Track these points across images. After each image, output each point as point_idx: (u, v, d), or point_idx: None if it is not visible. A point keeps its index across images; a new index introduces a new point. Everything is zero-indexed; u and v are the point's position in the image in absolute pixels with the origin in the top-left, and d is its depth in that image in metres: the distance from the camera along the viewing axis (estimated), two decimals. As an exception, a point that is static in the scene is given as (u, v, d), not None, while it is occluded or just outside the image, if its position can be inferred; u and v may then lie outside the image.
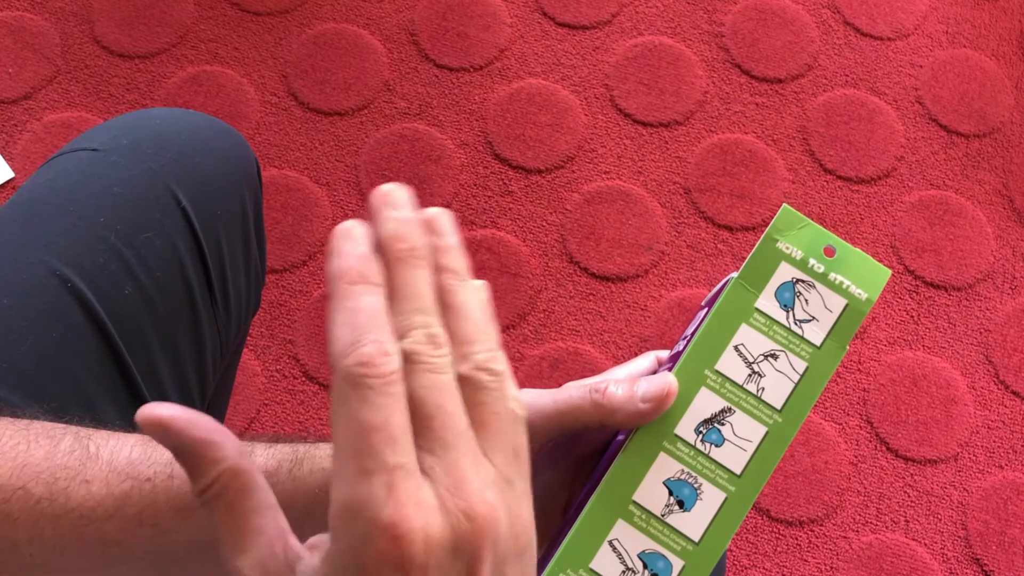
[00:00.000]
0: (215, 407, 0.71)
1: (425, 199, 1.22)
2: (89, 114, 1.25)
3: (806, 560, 1.08)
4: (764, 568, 1.08)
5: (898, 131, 1.29)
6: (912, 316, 1.20)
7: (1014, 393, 1.17)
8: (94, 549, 0.39)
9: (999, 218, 1.25)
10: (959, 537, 1.10)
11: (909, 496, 1.12)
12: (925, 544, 1.10)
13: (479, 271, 1.19)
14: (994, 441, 1.15)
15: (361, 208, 1.22)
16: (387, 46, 1.31)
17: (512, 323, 1.16)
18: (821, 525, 1.10)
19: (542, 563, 0.41)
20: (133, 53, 1.28)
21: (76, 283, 0.56)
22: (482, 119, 1.27)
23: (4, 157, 1.22)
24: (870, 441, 1.14)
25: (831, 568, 1.08)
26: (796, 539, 1.09)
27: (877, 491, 1.12)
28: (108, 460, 0.40)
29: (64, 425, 0.42)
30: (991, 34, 1.36)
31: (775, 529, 1.09)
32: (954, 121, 1.31)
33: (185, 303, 0.61)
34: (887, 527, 1.10)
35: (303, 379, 1.13)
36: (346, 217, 1.21)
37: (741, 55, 1.33)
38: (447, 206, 1.22)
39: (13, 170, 1.21)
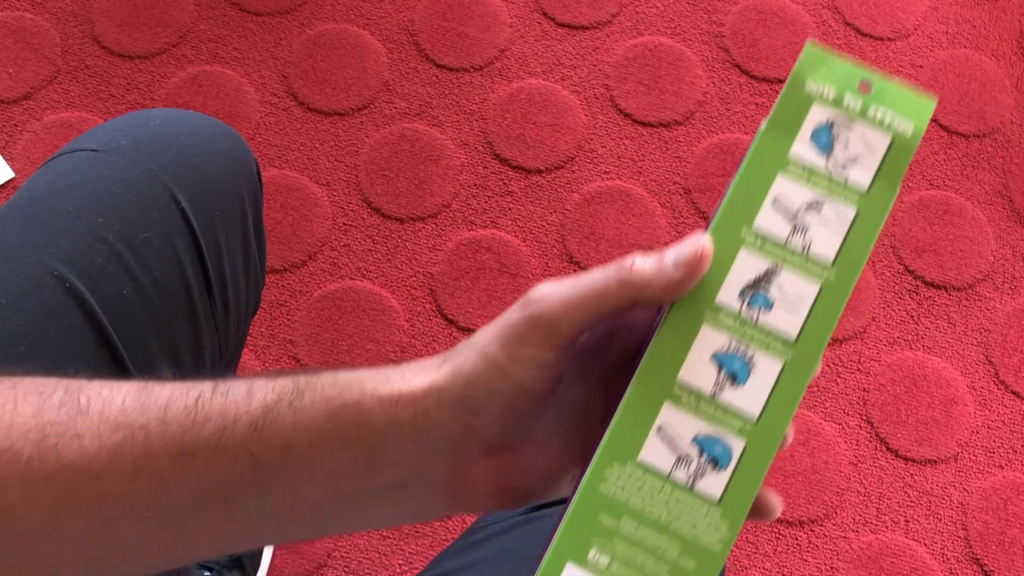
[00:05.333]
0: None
1: (425, 199, 1.22)
2: (89, 114, 1.25)
3: (806, 560, 1.08)
4: (764, 568, 1.08)
5: (898, 131, 1.29)
6: (912, 316, 1.20)
7: (1014, 393, 1.17)
8: (94, 507, 0.38)
9: (999, 218, 1.25)
10: (959, 537, 1.10)
11: (909, 496, 1.12)
12: (925, 544, 1.09)
13: (479, 271, 1.19)
14: (994, 441, 1.15)
15: (361, 208, 1.22)
16: (387, 46, 1.31)
17: (512, 323, 1.16)
18: (821, 525, 1.10)
19: (580, 478, 0.36)
20: (133, 53, 1.28)
21: (74, 283, 0.56)
22: (482, 119, 1.27)
23: (4, 157, 1.22)
24: (870, 441, 1.14)
25: (831, 568, 1.08)
26: (796, 539, 1.09)
27: (877, 491, 1.12)
28: (100, 411, 0.38)
29: (55, 379, 0.40)
30: (991, 34, 1.36)
31: (775, 529, 1.09)
32: (954, 121, 1.30)
33: (184, 304, 0.61)
34: (887, 527, 1.10)
35: (303, 379, 1.13)
36: (346, 217, 1.21)
37: (741, 55, 1.33)
38: (447, 206, 1.22)
39: (13, 170, 1.21)
